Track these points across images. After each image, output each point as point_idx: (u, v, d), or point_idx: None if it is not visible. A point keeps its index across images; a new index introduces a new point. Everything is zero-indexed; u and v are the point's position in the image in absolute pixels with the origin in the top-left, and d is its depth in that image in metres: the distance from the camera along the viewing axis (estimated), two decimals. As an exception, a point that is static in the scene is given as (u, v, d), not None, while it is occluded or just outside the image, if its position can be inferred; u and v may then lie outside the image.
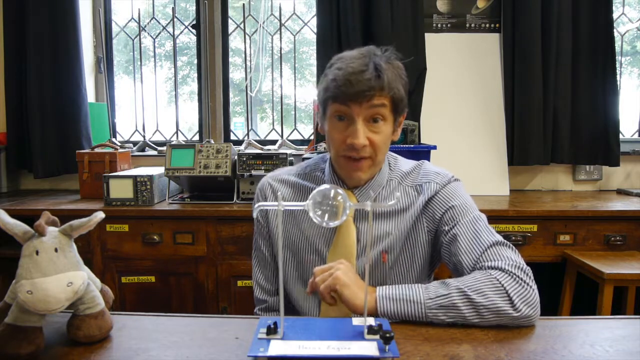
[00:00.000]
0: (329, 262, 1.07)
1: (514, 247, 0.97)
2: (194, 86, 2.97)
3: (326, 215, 0.77)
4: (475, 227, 1.02)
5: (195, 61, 2.87)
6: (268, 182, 1.20)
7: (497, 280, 0.88)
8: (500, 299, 0.86)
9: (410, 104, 2.47)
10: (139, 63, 2.89)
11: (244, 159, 2.15)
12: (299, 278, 1.13)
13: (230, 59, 2.91)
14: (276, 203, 0.75)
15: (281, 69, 2.83)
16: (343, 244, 1.07)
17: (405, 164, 1.17)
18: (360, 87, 0.96)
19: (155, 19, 2.90)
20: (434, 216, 1.08)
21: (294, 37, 2.85)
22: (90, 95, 2.78)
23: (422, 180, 1.11)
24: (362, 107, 0.99)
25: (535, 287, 0.89)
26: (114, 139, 2.83)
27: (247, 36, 2.83)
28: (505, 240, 0.99)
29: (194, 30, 2.85)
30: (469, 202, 1.08)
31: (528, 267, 0.91)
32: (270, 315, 1.19)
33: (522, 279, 0.88)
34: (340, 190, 0.78)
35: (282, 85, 2.85)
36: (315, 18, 2.59)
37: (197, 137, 2.92)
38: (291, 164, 2.23)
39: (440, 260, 1.14)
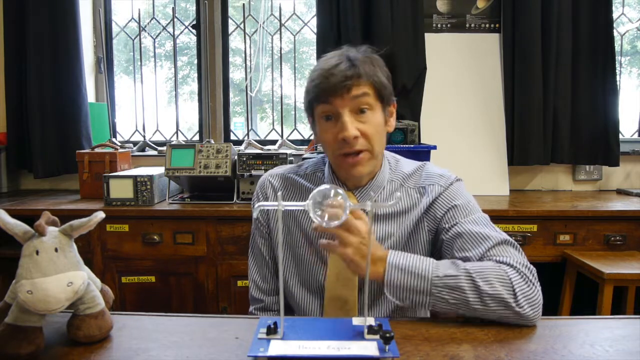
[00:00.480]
0: (330, 263, 1.07)
1: (518, 247, 0.97)
2: (194, 86, 2.97)
3: (326, 216, 0.77)
4: (480, 225, 1.01)
5: (195, 61, 2.87)
6: (268, 180, 1.19)
7: (506, 273, 0.88)
8: (505, 291, 0.86)
9: (410, 104, 2.47)
10: (139, 63, 2.89)
11: (244, 159, 2.15)
12: (299, 278, 1.13)
13: (230, 59, 2.91)
14: (276, 203, 0.75)
15: (281, 69, 2.83)
16: None
17: (407, 165, 1.16)
18: (337, 79, 0.98)
19: (155, 19, 2.90)
20: (436, 216, 1.08)
21: (294, 37, 2.85)
22: (90, 95, 2.78)
23: (426, 182, 1.11)
24: (344, 99, 0.99)
25: (539, 287, 0.89)
26: (114, 139, 2.83)
27: (247, 36, 2.83)
28: (511, 239, 0.98)
29: (194, 30, 2.85)
30: (472, 201, 1.08)
31: (533, 267, 0.92)
32: (266, 315, 1.18)
33: (528, 278, 0.89)
34: (340, 190, 0.78)
35: (282, 85, 2.85)
36: (315, 18, 2.60)
37: (197, 137, 2.92)
38: (291, 164, 2.23)
39: (440, 259, 1.13)
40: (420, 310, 1.05)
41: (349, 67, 0.99)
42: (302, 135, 2.90)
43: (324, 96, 1.00)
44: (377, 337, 0.75)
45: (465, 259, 0.99)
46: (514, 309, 0.85)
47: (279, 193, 0.78)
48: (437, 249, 1.11)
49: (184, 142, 2.82)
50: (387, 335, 0.71)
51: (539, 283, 0.90)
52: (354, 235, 0.87)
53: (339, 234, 0.87)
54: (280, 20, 2.81)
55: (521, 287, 0.87)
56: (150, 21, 2.90)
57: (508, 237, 0.98)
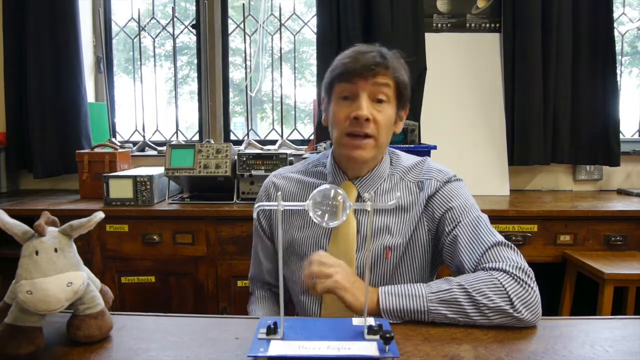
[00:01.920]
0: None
1: (515, 248, 0.97)
2: (194, 86, 2.97)
3: (326, 215, 0.77)
4: (475, 227, 1.01)
5: (195, 61, 2.87)
6: (271, 181, 1.22)
7: (499, 281, 0.88)
8: (501, 300, 0.86)
9: (410, 104, 2.47)
10: (138, 63, 2.88)
11: (244, 159, 2.15)
12: (302, 272, 1.13)
13: (230, 59, 2.91)
14: (276, 203, 0.75)
15: (281, 69, 2.83)
16: (343, 237, 1.07)
17: (407, 160, 1.17)
18: (366, 62, 1.01)
19: (155, 19, 2.90)
20: (434, 216, 1.08)
21: (294, 37, 2.85)
22: (90, 95, 2.78)
23: (424, 176, 1.11)
24: (368, 82, 1.02)
25: (536, 288, 0.89)
26: (113, 139, 2.83)
27: (247, 36, 2.82)
28: (507, 241, 0.98)
29: (193, 30, 2.85)
30: (470, 202, 1.07)
31: (529, 268, 0.91)
32: (264, 292, 1.24)
33: (523, 281, 0.88)
34: (340, 190, 0.78)
35: (282, 85, 2.85)
36: (315, 18, 2.59)
37: (197, 137, 2.92)
38: (291, 163, 2.23)
39: (441, 263, 1.13)
40: None
41: (379, 55, 1.03)
42: (302, 135, 2.90)
43: (349, 75, 1.03)
44: (377, 337, 0.75)
45: (461, 264, 0.99)
46: (512, 315, 0.85)
47: (279, 193, 0.78)
48: (438, 253, 1.11)
49: (183, 142, 2.81)
50: (387, 335, 0.71)
51: (535, 284, 0.89)
52: (332, 266, 0.91)
53: (318, 270, 0.90)
54: (280, 20, 2.81)
55: (516, 291, 0.87)
56: (150, 21, 2.90)
57: (502, 239, 0.98)
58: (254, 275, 1.28)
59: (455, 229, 1.02)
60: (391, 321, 0.87)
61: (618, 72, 2.55)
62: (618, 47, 2.64)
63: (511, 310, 0.85)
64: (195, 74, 2.91)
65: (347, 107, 1.04)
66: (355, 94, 1.03)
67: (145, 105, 2.89)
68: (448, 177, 1.10)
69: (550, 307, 2.10)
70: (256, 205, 0.79)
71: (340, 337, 0.76)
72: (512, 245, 0.98)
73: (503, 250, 0.95)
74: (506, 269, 0.90)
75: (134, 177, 2.10)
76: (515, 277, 0.88)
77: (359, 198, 1.10)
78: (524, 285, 0.88)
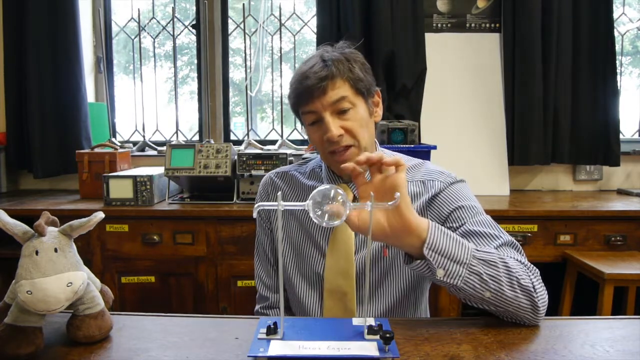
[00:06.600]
0: (329, 256, 1.07)
1: (522, 250, 0.97)
2: (194, 86, 2.97)
3: (326, 215, 0.77)
4: (488, 226, 1.01)
5: (195, 61, 2.87)
6: (271, 178, 1.22)
7: (523, 265, 0.89)
8: (528, 280, 0.86)
9: (410, 104, 2.47)
10: (138, 63, 2.88)
11: (244, 158, 2.15)
12: (300, 273, 1.13)
13: (230, 59, 2.91)
14: (276, 203, 0.75)
15: (281, 69, 2.83)
16: (342, 239, 1.07)
17: (406, 161, 1.17)
18: (312, 81, 1.01)
19: (155, 19, 2.90)
20: (440, 213, 1.06)
21: (294, 37, 2.85)
22: (90, 95, 2.78)
23: (426, 177, 1.11)
24: (322, 102, 1.02)
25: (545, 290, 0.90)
26: (113, 139, 2.83)
27: (247, 36, 2.82)
28: (516, 242, 0.98)
29: (194, 30, 2.85)
30: (478, 204, 1.07)
31: (536, 269, 0.92)
32: (271, 313, 1.19)
33: (537, 276, 0.89)
34: (340, 191, 0.77)
35: (282, 85, 2.85)
36: (315, 18, 2.59)
37: (197, 137, 2.92)
38: (291, 164, 2.23)
39: None
40: (449, 288, 0.90)
41: (322, 67, 1.02)
42: (302, 135, 2.90)
43: (303, 100, 1.03)
44: (377, 337, 0.75)
45: None
46: (533, 300, 0.85)
47: (279, 193, 0.78)
48: None
49: (183, 142, 2.81)
50: (387, 335, 0.71)
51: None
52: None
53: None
54: (280, 20, 2.81)
55: (538, 280, 0.88)
56: (150, 21, 2.90)
57: (513, 239, 0.98)
58: (266, 294, 1.20)
59: (464, 227, 1.02)
60: (422, 267, 0.84)
61: (618, 72, 2.55)
62: (618, 47, 2.64)
63: (534, 294, 0.85)
64: (195, 74, 2.91)
65: (318, 131, 1.05)
66: (318, 115, 1.03)
67: (145, 105, 2.89)
68: (453, 179, 1.10)
69: (550, 307, 2.10)
70: (256, 206, 0.79)
71: (340, 337, 0.76)
72: (520, 247, 0.97)
73: (509, 252, 0.95)
74: (523, 262, 0.91)
75: (134, 177, 2.10)
76: (531, 270, 0.90)
77: (355, 200, 1.09)
78: (539, 278, 0.89)
